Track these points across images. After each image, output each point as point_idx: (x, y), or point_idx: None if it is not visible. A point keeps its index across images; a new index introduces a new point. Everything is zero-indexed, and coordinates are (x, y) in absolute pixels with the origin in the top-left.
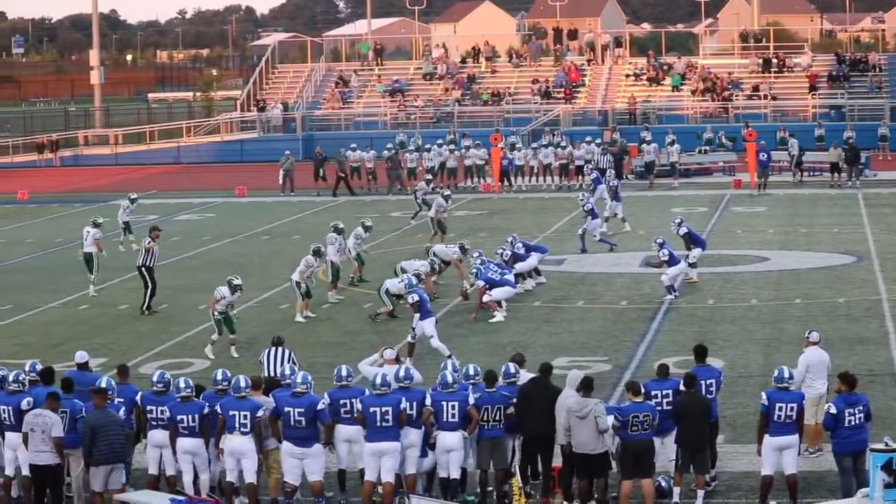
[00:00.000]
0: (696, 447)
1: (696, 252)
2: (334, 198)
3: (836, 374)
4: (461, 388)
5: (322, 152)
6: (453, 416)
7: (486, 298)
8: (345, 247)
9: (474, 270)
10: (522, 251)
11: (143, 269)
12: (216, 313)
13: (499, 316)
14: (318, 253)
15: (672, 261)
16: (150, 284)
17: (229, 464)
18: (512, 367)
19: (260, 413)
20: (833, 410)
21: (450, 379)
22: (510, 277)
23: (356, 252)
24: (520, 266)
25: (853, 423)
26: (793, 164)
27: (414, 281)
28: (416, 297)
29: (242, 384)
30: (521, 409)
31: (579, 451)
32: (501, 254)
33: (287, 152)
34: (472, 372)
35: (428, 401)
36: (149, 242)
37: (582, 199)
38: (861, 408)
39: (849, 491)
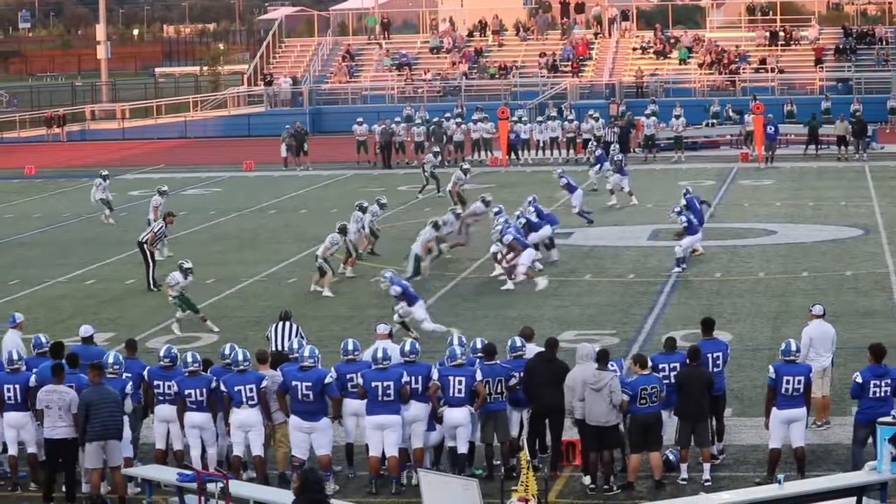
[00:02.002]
0: (696, 419)
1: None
2: (389, 169)
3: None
4: (469, 363)
5: (302, 127)
6: (460, 391)
7: (520, 269)
8: (363, 224)
9: (498, 227)
10: (534, 218)
11: (143, 245)
12: (171, 298)
13: (542, 283)
14: (343, 230)
15: (691, 229)
16: (149, 262)
17: (237, 437)
18: (518, 340)
19: (264, 383)
20: (859, 380)
21: (458, 353)
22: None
23: (369, 228)
24: (532, 237)
25: (878, 394)
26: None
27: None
28: (399, 289)
29: (241, 357)
30: (528, 383)
31: (592, 423)
32: (519, 216)
33: (288, 126)
34: (479, 346)
35: (435, 375)
36: (160, 227)
37: (558, 174)
38: (889, 381)
39: (858, 462)
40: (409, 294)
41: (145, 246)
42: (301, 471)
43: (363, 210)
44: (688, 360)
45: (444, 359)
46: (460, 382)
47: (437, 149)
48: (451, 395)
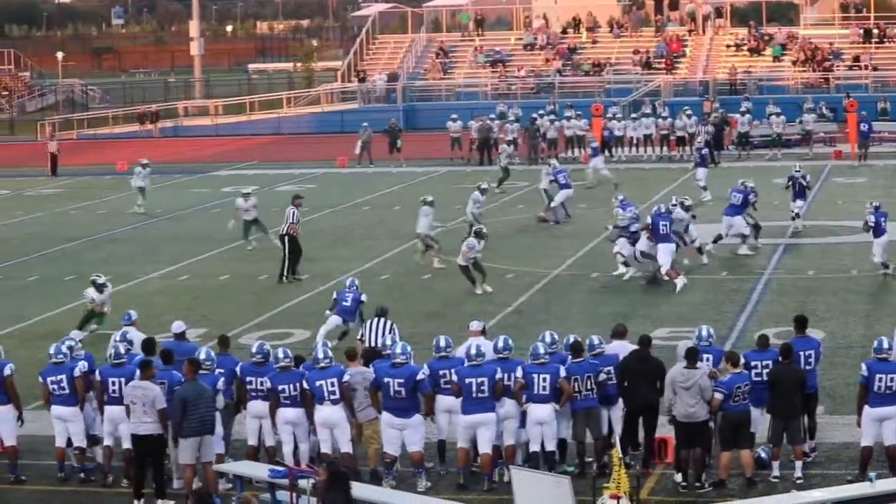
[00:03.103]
0: (788, 417)
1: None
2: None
3: None
4: (554, 360)
5: (396, 124)
6: (544, 388)
7: (664, 269)
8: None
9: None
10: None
11: (284, 237)
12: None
13: (681, 282)
14: (479, 234)
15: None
16: (289, 252)
17: (322, 434)
18: (596, 339)
19: (346, 378)
20: None
21: (541, 350)
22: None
23: (473, 216)
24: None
25: None
26: None
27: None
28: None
29: (321, 354)
30: (623, 380)
31: (683, 421)
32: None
33: (365, 124)
34: (571, 341)
35: (519, 373)
36: (293, 214)
37: (548, 171)
38: None
39: None
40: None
41: (286, 238)
42: (327, 464)
43: (429, 204)
44: (780, 358)
45: (529, 356)
46: (545, 380)
47: (510, 138)
48: (535, 392)
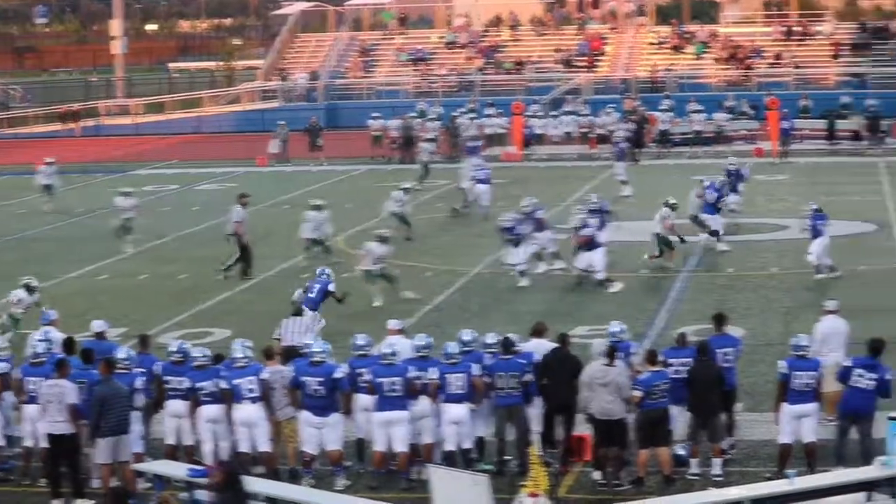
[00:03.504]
0: (706, 414)
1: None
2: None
3: (856, 342)
4: (470, 358)
5: (317, 122)
6: (459, 387)
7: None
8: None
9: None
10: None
11: (229, 237)
12: (5, 317)
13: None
14: (382, 239)
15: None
16: (240, 251)
17: (241, 434)
18: (514, 336)
19: (264, 376)
20: (848, 363)
21: (453, 350)
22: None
23: (397, 216)
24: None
25: (860, 385)
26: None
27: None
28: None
29: (240, 353)
30: (541, 378)
31: (601, 418)
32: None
33: (282, 122)
34: (495, 340)
35: (434, 374)
36: (238, 212)
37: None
38: (875, 377)
39: (841, 454)
40: None
41: (232, 238)
42: (221, 464)
43: (317, 209)
44: (697, 355)
45: (441, 355)
46: (459, 379)
47: (432, 136)
48: (450, 391)
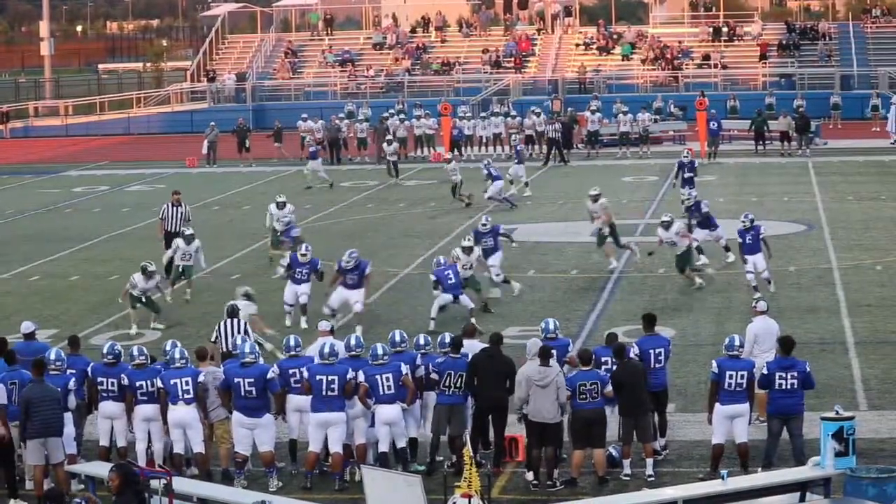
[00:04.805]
0: (637, 415)
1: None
2: (337, 165)
3: None
4: (403, 358)
5: (245, 124)
6: (389, 388)
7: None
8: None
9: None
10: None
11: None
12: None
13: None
14: (248, 297)
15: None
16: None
17: (175, 435)
18: (447, 336)
19: (201, 378)
20: (765, 371)
21: (380, 351)
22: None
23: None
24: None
25: (784, 386)
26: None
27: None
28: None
29: (177, 355)
30: (472, 378)
31: (536, 420)
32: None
33: (212, 123)
34: (422, 342)
35: (361, 376)
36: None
37: (485, 165)
38: (795, 374)
39: (771, 455)
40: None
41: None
42: (117, 467)
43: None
44: (615, 358)
45: (368, 358)
46: (388, 379)
47: (390, 137)
48: (381, 392)
